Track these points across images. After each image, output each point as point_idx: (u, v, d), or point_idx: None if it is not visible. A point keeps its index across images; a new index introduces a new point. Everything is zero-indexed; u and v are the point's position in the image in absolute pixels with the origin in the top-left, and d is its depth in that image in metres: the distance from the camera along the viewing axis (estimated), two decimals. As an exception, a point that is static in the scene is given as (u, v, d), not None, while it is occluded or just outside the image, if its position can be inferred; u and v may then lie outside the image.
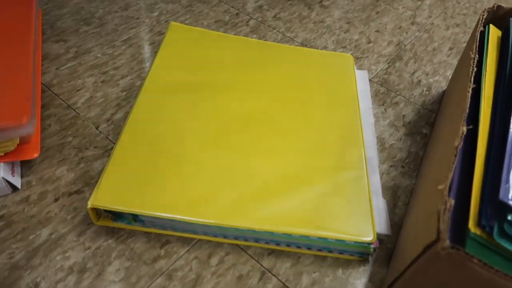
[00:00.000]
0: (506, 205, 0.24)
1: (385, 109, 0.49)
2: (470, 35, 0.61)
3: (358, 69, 0.54)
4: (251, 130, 0.41)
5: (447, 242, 0.23)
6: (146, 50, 0.55)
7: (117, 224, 0.36)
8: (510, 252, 0.23)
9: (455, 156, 0.28)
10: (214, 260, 0.35)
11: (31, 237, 0.35)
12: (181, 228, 0.36)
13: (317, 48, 0.58)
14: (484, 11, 0.42)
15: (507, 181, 0.25)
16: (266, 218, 0.34)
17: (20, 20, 0.45)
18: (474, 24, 0.64)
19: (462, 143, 0.29)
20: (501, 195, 0.24)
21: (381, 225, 0.37)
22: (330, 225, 0.34)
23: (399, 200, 0.40)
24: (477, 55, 0.37)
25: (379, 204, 0.38)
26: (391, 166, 0.43)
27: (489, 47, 0.38)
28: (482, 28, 0.40)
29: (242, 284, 0.34)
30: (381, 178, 0.42)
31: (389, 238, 0.37)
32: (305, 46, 0.58)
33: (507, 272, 0.23)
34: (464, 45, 0.60)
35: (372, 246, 0.34)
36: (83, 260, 0.34)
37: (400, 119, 0.48)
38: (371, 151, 0.43)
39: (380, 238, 0.37)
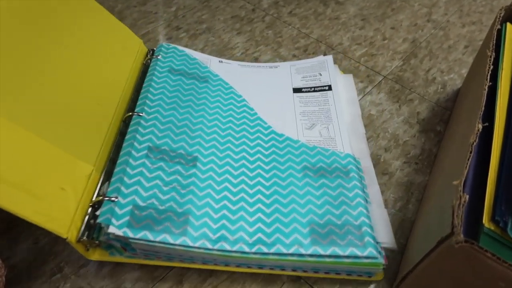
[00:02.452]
0: (520, 201, 0.24)
1: (399, 106, 0.50)
2: (486, 33, 0.60)
3: (343, 73, 0.55)
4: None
5: (461, 236, 0.24)
6: (164, 44, 0.56)
7: (113, 258, 0.33)
8: (523, 247, 0.24)
9: (470, 152, 0.28)
10: None
11: (54, 224, 0.37)
12: (179, 257, 0.33)
13: (332, 45, 0.58)
14: (501, 9, 0.42)
15: (522, 177, 0.25)
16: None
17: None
18: (490, 22, 0.63)
19: (477, 140, 0.29)
20: (516, 191, 0.24)
21: (388, 237, 0.34)
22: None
23: (412, 196, 0.41)
24: (493, 53, 0.37)
25: (383, 215, 0.36)
26: (404, 162, 0.44)
27: (506, 45, 0.38)
28: (499, 26, 0.40)
29: None
30: (394, 175, 0.42)
31: (396, 250, 0.38)
32: (320, 42, 0.58)
33: (520, 266, 0.23)
34: (480, 43, 0.60)
35: (382, 261, 0.32)
36: (105, 247, 0.36)
37: (414, 116, 0.49)
38: (366, 161, 0.41)
39: (386, 254, 0.35)
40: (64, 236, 0.30)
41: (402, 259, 0.36)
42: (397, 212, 0.40)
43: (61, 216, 0.31)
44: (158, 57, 0.47)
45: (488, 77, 0.34)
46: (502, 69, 0.36)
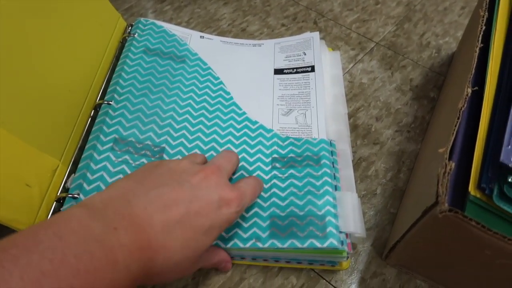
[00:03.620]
0: (506, 167, 0.23)
1: (391, 73, 0.48)
2: (484, -8, 0.58)
3: (333, 50, 0.53)
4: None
5: (446, 205, 0.23)
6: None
7: None
8: (510, 214, 0.23)
9: (458, 118, 0.27)
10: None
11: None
12: None
13: (322, 12, 0.56)
14: (497, -35, 0.39)
15: (510, 143, 0.24)
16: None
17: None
18: (489, -20, 0.61)
19: (466, 105, 0.28)
20: (502, 157, 0.23)
21: (356, 225, 0.32)
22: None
23: (404, 165, 0.40)
24: (486, 13, 0.35)
25: (354, 201, 0.34)
26: (396, 131, 0.43)
27: (501, 4, 0.36)
28: (494, -16, 0.38)
29: None
30: (385, 144, 0.41)
31: (377, 229, 0.37)
32: (310, 9, 0.56)
33: (506, 234, 0.22)
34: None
35: (345, 249, 0.31)
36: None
37: (407, 83, 0.47)
38: (344, 144, 0.39)
39: (353, 241, 0.35)
40: None
41: (392, 229, 0.36)
42: (388, 182, 0.39)
43: (25, 214, 0.30)
44: (135, 35, 0.45)
45: (480, 38, 0.33)
46: (495, 29, 0.34)
